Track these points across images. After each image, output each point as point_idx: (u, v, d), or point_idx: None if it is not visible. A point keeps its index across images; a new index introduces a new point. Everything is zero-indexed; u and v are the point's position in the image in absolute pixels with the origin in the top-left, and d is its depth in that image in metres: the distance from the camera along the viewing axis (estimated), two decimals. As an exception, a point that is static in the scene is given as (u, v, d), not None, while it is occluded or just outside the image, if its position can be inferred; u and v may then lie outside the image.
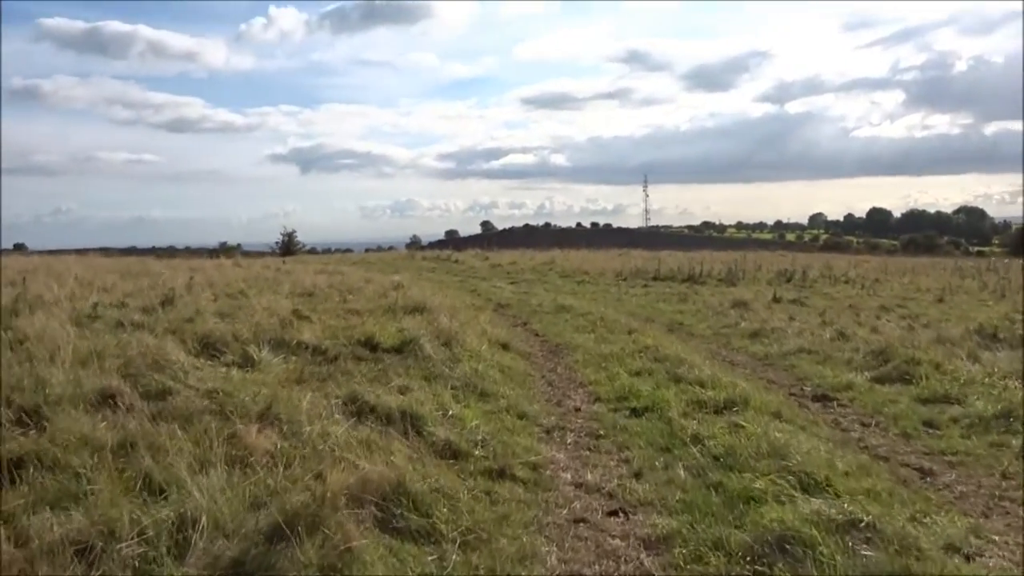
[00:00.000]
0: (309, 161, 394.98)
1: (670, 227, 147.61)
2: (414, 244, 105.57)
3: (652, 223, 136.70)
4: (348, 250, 76.56)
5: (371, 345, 8.92)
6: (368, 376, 7.52)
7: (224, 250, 61.02)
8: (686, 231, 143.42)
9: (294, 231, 57.60)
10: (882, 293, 20.61)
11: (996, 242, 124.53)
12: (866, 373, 9.03)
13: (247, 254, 61.56)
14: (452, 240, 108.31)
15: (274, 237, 57.83)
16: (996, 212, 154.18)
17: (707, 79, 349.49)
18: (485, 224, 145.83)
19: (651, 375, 8.50)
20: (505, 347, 10.09)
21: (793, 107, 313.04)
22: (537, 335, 12.07)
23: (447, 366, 8.19)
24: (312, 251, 69.66)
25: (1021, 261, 37.23)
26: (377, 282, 18.87)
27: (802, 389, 8.56)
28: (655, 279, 24.20)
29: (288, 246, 56.19)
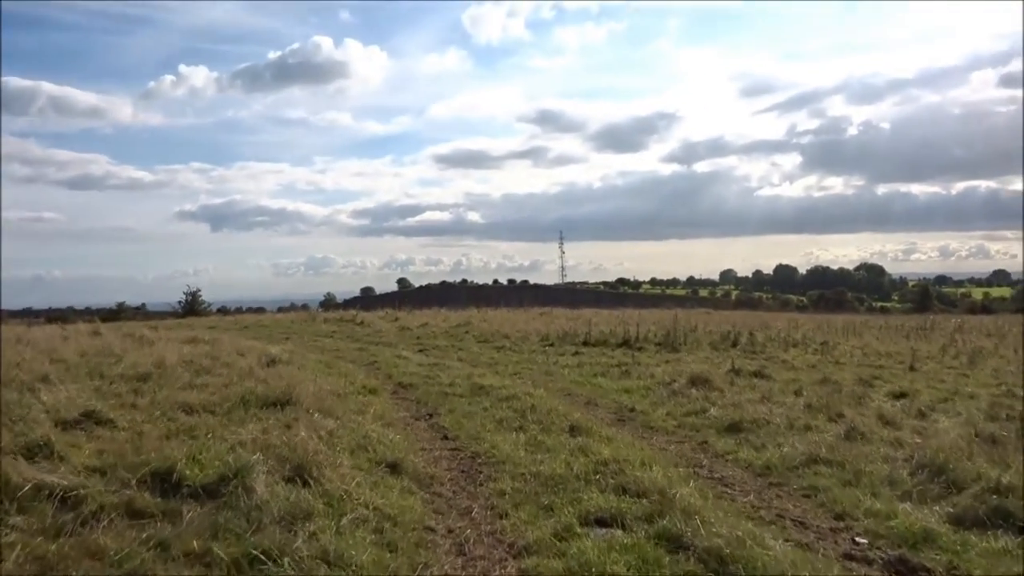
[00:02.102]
0: (221, 218, 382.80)
1: (586, 283, 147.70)
2: (328, 302, 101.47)
3: (568, 279, 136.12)
4: (261, 308, 72.67)
5: (168, 483, 5.45)
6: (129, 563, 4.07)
7: (121, 311, 57.02)
8: (602, 287, 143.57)
9: (198, 290, 55.01)
10: (843, 360, 18.13)
11: (896, 298, 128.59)
12: (935, 508, 6.04)
13: (150, 315, 57.32)
14: (365, 298, 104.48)
15: (181, 296, 54.99)
16: (891, 268, 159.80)
17: (617, 140, 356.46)
18: (401, 281, 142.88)
19: (626, 529, 5.28)
20: (395, 469, 6.70)
21: (700, 167, 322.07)
22: (446, 437, 8.72)
23: (285, 528, 4.79)
24: (223, 310, 65.74)
25: (954, 321, 36.34)
26: (254, 354, 15.25)
27: (855, 542, 5.47)
28: (586, 344, 21.21)
29: (192, 306, 53.10)
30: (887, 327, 34.61)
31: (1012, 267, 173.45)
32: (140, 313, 60.05)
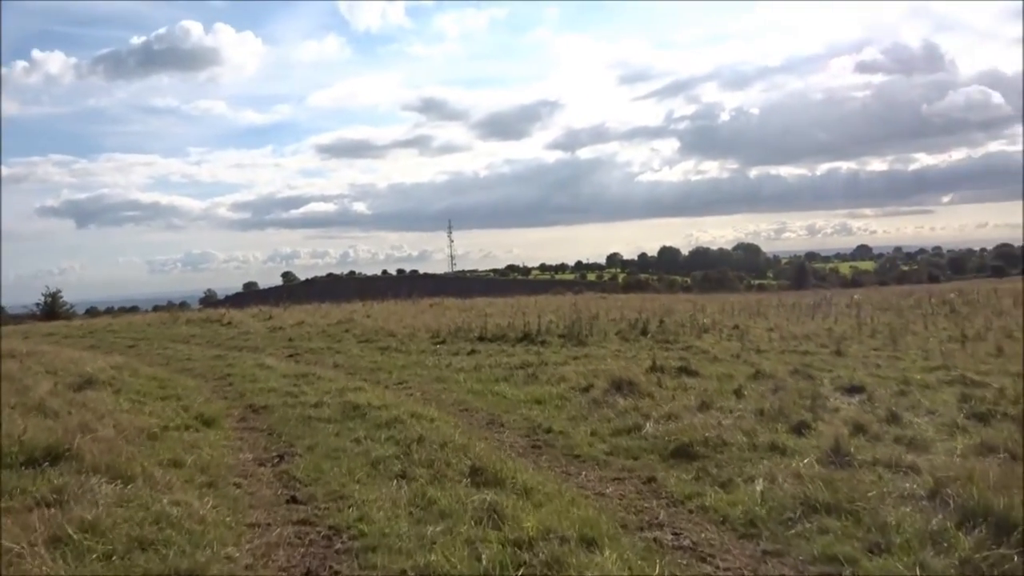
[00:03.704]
0: (87, 214, 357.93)
1: (476, 271, 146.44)
2: (208, 299, 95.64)
3: (458, 268, 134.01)
4: (134, 308, 67.11)
5: None
6: None
7: None
8: (492, 275, 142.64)
9: (58, 291, 50.61)
10: (763, 346, 16.49)
11: (771, 275, 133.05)
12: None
13: (6, 319, 51.47)
14: (248, 294, 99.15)
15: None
16: (765, 247, 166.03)
17: (501, 127, 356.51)
18: (287, 275, 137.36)
19: None
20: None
21: (583, 154, 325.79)
22: (294, 499, 6.10)
23: None
24: (92, 311, 60.11)
25: (852, 296, 36.16)
26: (69, 372, 12.15)
27: None
28: (482, 339, 18.84)
29: (52, 307, 48.19)
30: (783, 305, 33.91)
31: (872, 242, 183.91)
32: (-2, 316, 54.88)
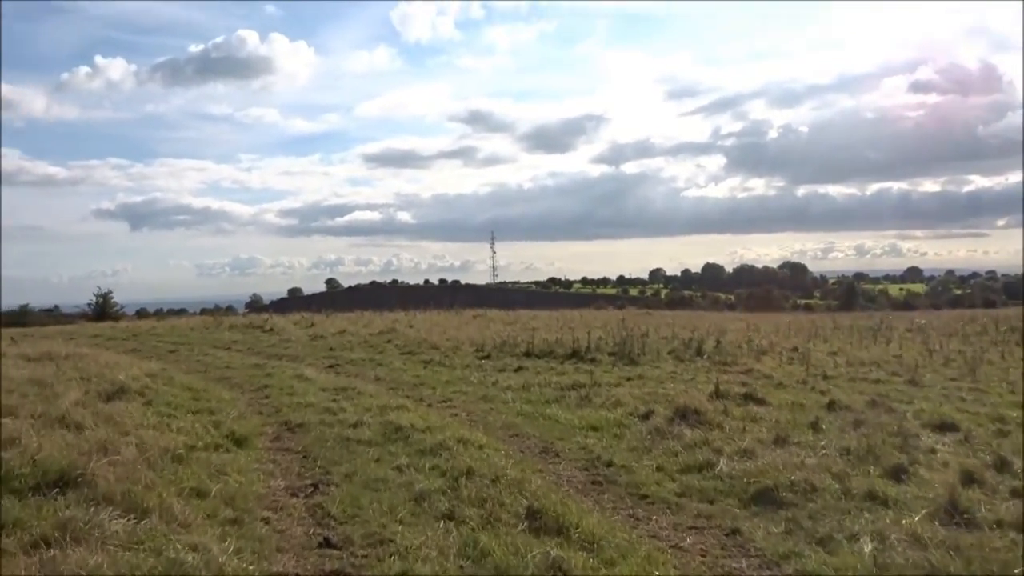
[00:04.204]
0: (140, 217, 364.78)
1: (517, 283, 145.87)
2: (254, 304, 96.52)
3: (500, 279, 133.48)
4: (183, 310, 67.87)
5: None
6: None
7: (26, 314, 52.13)
8: (534, 287, 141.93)
9: (109, 292, 51.68)
10: (829, 372, 15.42)
11: (817, 295, 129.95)
12: None
13: (61, 318, 52.28)
14: (293, 300, 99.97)
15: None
16: (811, 267, 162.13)
17: (546, 140, 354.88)
18: (330, 282, 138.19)
19: None
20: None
21: (628, 168, 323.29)
22: (327, 541, 5.34)
23: None
24: (142, 312, 60.89)
25: (913, 319, 34.60)
26: (104, 379, 11.69)
27: None
28: (528, 355, 18.05)
29: (103, 308, 49.08)
30: (839, 327, 32.54)
31: (923, 264, 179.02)
32: (51, 316, 55.89)
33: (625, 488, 6.93)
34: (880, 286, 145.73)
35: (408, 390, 12.97)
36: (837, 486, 6.52)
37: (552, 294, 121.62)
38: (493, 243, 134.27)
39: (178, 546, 4.52)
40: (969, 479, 6.77)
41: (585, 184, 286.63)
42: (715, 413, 9.69)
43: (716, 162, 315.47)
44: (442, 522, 5.58)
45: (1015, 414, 10.51)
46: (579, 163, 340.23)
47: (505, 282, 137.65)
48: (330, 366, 16.87)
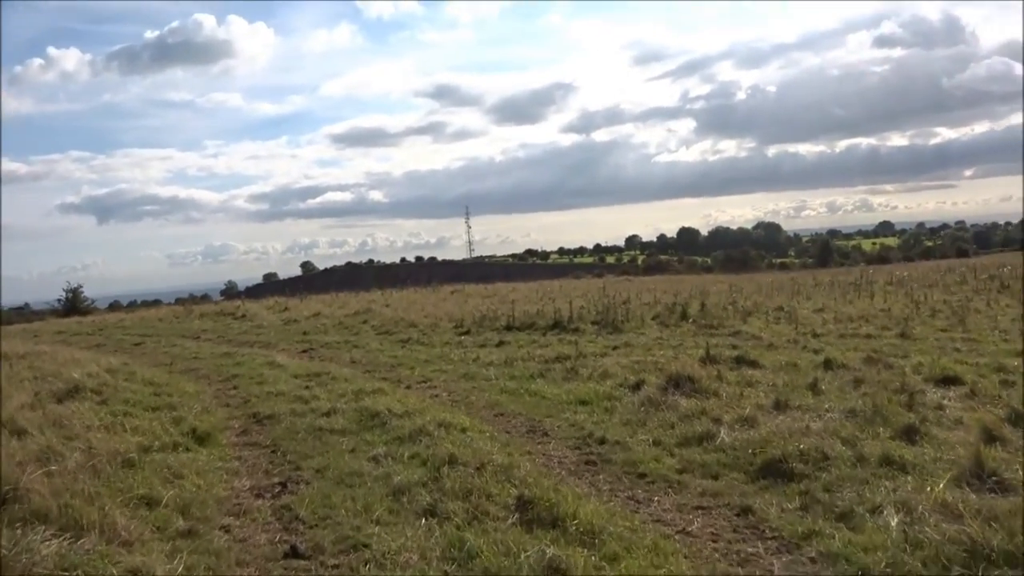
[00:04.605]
0: (107, 209, 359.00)
1: (494, 256, 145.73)
2: (229, 291, 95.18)
3: (476, 253, 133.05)
4: (156, 301, 66.59)
5: None
6: None
7: None
8: (511, 260, 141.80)
9: (79, 287, 50.88)
10: (818, 330, 15.01)
11: (792, 253, 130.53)
12: None
13: (30, 316, 50.98)
14: (268, 285, 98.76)
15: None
16: (785, 226, 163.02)
17: (515, 112, 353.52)
18: (305, 265, 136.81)
19: None
20: None
21: (599, 136, 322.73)
22: (294, 551, 4.75)
23: None
24: (115, 305, 59.62)
25: (895, 272, 34.46)
26: (59, 378, 11.00)
27: None
28: (510, 328, 17.51)
29: (73, 303, 48.16)
30: (820, 284, 32.31)
31: (894, 218, 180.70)
32: (21, 315, 54.66)
33: (621, 467, 6.40)
34: (853, 242, 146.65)
35: (385, 372, 12.37)
36: (849, 453, 6.03)
37: (530, 266, 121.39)
38: (468, 218, 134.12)
39: (114, 572, 3.91)
40: (988, 437, 6.31)
41: (556, 154, 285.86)
42: (709, 380, 9.18)
43: (686, 126, 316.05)
44: (423, 520, 5.01)
45: (1015, 363, 10.12)
46: (549, 133, 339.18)
47: (482, 256, 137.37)
48: (304, 351, 16.23)
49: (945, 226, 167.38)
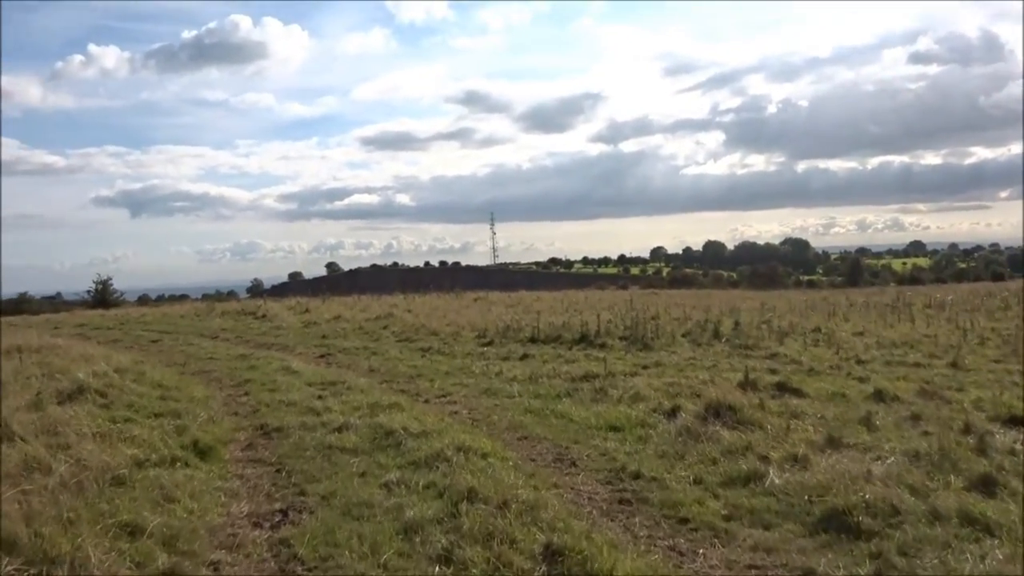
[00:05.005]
0: (140, 204, 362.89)
1: (518, 264, 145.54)
2: (255, 288, 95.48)
3: (500, 260, 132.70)
4: (184, 295, 66.92)
5: None
6: None
7: (25, 302, 51.18)
8: (535, 267, 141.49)
9: (109, 279, 51.27)
10: (862, 356, 14.21)
11: (820, 271, 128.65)
12: None
13: (59, 306, 51.23)
14: (293, 284, 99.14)
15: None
16: (813, 242, 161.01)
17: (544, 120, 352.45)
18: (331, 266, 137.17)
19: None
20: None
21: (627, 146, 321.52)
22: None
23: None
24: (144, 299, 59.86)
25: (935, 295, 33.28)
26: (67, 376, 10.53)
27: None
28: (534, 340, 16.87)
29: (103, 295, 48.53)
30: (854, 304, 31.32)
31: (926, 238, 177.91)
32: (51, 304, 55.04)
33: (659, 508, 5.74)
34: (883, 261, 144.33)
35: (403, 383, 11.78)
36: (922, 506, 5.32)
37: (553, 274, 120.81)
38: (493, 224, 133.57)
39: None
40: (1077, 492, 5.57)
41: (584, 163, 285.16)
42: (751, 409, 8.47)
43: (715, 138, 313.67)
44: (437, 567, 4.39)
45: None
46: (577, 142, 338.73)
47: (506, 263, 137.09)
48: (321, 356, 15.70)
49: (979, 248, 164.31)
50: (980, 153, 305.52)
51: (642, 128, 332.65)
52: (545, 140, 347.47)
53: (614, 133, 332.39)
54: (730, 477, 6.30)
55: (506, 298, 38.61)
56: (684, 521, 5.49)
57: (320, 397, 10.09)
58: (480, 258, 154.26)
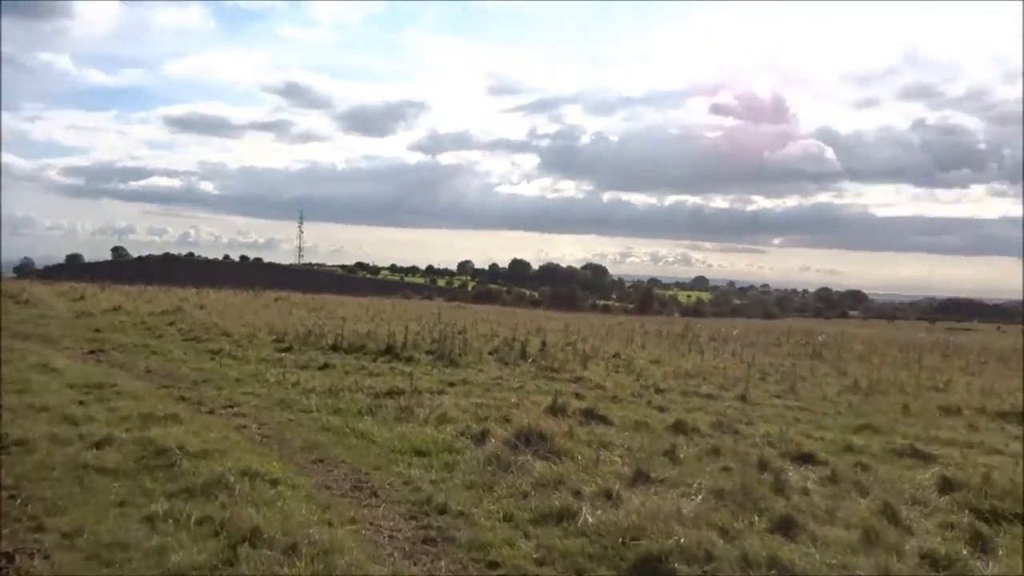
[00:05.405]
0: None
1: (324, 265, 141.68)
2: (24, 268, 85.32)
3: (305, 260, 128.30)
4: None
5: None
6: None
7: None
8: (340, 271, 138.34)
9: None
10: (661, 384, 14.62)
11: (615, 297, 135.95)
12: None
13: None
14: (72, 267, 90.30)
15: None
16: (611, 269, 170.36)
17: (364, 122, 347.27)
18: (117, 250, 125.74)
19: None
20: None
21: (445, 158, 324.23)
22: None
23: None
24: None
25: (716, 327, 35.67)
26: None
27: None
28: (336, 349, 15.95)
29: None
30: (649, 332, 32.92)
31: (709, 274, 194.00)
32: None
33: (467, 550, 5.23)
34: (671, 292, 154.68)
35: (185, 390, 10.55)
36: (734, 552, 5.20)
37: (360, 279, 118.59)
38: (301, 222, 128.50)
39: None
40: (869, 538, 5.72)
41: (401, 170, 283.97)
42: (562, 437, 8.22)
43: (531, 161, 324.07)
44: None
45: (861, 441, 9.97)
46: (396, 148, 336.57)
47: (311, 264, 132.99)
48: (91, 352, 13.91)
49: (752, 287, 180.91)
50: (760, 202, 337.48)
51: (462, 142, 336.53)
52: (364, 142, 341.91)
53: (434, 144, 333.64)
54: (542, 513, 5.93)
55: (309, 300, 37.01)
56: (494, 565, 5.02)
57: (82, 403, 8.73)
58: (285, 256, 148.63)
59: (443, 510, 6.00)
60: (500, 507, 6.09)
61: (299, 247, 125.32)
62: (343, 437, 8.29)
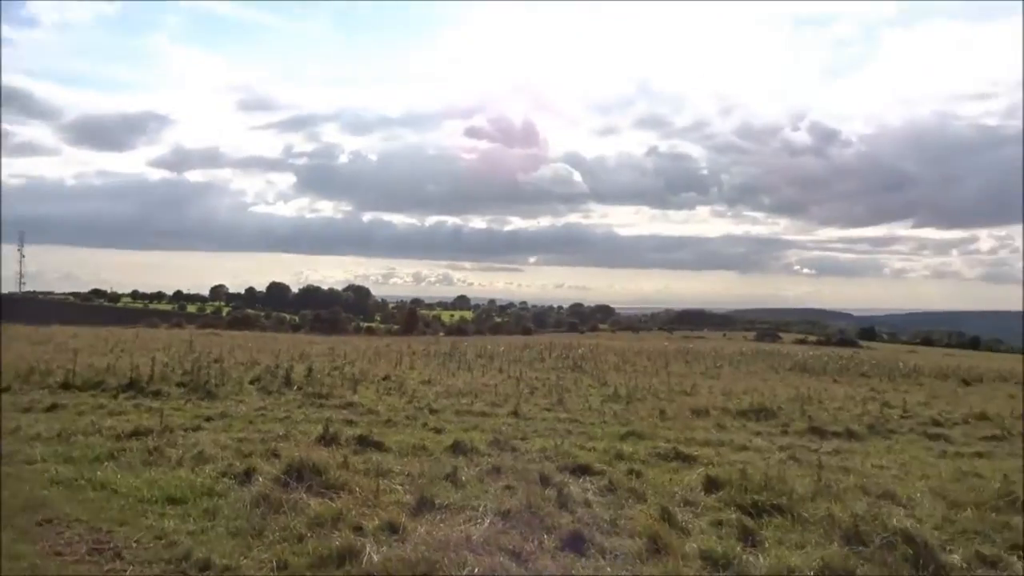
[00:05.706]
0: None
1: (52, 293, 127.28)
2: None
3: (29, 288, 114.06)
4: None
5: None
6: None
7: None
8: (72, 299, 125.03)
9: None
10: (434, 404, 14.35)
11: (379, 318, 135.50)
12: None
13: None
14: None
15: None
16: (374, 291, 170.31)
17: (98, 135, 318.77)
18: None
19: None
20: None
21: (193, 176, 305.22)
22: None
23: None
24: None
25: (485, 345, 36.17)
26: None
27: None
28: (67, 387, 13.98)
29: None
30: (417, 353, 32.70)
31: (470, 293, 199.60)
32: None
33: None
34: (435, 312, 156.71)
35: None
36: (529, 577, 4.99)
37: (96, 308, 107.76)
38: (22, 246, 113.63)
39: None
40: (654, 544, 5.78)
41: (142, 188, 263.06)
42: (337, 469, 7.64)
43: (286, 180, 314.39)
44: None
45: (628, 448, 10.32)
46: (136, 164, 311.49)
47: (36, 292, 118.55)
48: None
49: (511, 305, 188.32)
50: (516, 222, 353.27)
51: (211, 159, 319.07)
52: (97, 157, 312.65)
53: (180, 160, 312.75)
54: (321, 556, 5.36)
55: (33, 333, 32.64)
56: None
57: None
58: (4, 284, 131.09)
59: (205, 566, 5.22)
60: (273, 554, 5.42)
61: (20, 273, 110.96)
62: (77, 490, 7.09)
